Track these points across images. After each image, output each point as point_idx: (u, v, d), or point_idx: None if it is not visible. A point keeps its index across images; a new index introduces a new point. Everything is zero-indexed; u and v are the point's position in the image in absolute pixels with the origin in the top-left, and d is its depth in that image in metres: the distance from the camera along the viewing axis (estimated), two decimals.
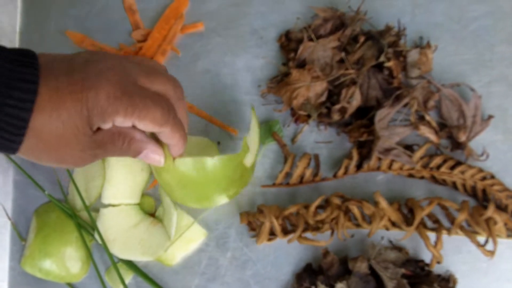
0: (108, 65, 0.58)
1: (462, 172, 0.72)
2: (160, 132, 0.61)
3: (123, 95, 0.56)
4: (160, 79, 0.62)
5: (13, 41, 0.85)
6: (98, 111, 0.56)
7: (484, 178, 0.72)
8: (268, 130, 0.77)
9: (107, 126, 0.57)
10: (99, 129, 0.58)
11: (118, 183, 0.76)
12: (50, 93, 0.54)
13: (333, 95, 0.76)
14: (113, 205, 0.75)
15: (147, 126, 0.59)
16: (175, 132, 0.62)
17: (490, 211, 0.67)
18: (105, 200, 0.76)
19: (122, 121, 0.57)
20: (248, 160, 0.71)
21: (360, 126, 0.75)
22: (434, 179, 0.74)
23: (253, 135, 0.73)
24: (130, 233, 0.74)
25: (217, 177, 0.69)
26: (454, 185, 0.73)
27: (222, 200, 0.71)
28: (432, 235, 0.69)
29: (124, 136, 0.60)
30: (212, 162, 0.67)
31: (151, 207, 0.76)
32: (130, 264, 0.75)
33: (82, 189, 0.77)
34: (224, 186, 0.70)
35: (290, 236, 0.71)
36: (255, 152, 0.71)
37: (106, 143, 0.59)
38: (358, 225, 0.71)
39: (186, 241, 0.74)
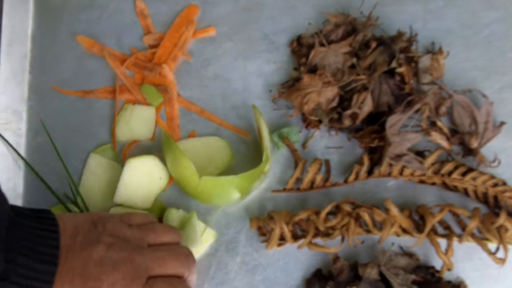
0: (122, 274, 0.60)
1: (474, 179, 0.72)
2: None
3: None
4: (172, 264, 0.64)
5: (24, 45, 0.85)
6: None
7: (495, 185, 0.71)
8: (285, 136, 0.77)
9: None
10: None
11: (134, 187, 0.75)
12: None
13: (344, 100, 0.76)
14: (124, 206, 0.75)
15: None
16: None
17: (502, 219, 0.67)
18: (117, 200, 0.76)
19: None
20: (267, 167, 0.73)
21: (371, 131, 0.75)
22: (445, 186, 0.73)
23: (264, 134, 0.74)
24: None
25: (239, 188, 0.73)
26: (466, 192, 0.72)
27: (236, 196, 0.74)
28: (443, 242, 0.69)
29: None
30: (237, 179, 0.71)
31: (160, 211, 0.76)
32: None
33: (97, 191, 0.77)
34: (244, 192, 0.74)
35: (300, 241, 0.71)
36: (269, 149, 0.74)
37: None
38: (368, 231, 0.71)
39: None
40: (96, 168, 0.78)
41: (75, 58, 0.85)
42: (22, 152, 0.80)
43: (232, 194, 0.73)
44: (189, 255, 0.67)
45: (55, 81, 0.83)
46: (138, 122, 0.79)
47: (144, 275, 0.62)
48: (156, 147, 0.80)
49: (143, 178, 0.76)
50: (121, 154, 0.79)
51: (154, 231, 0.67)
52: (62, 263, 0.58)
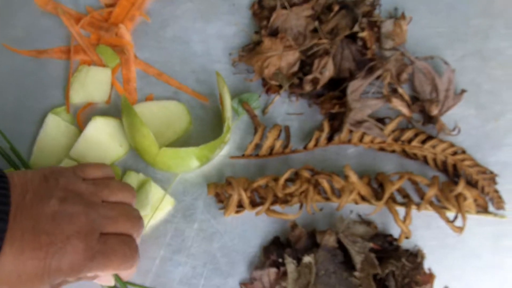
0: (76, 227, 0.59)
1: (433, 147, 0.71)
2: None
3: (87, 260, 0.58)
4: (123, 223, 0.63)
5: None
6: (60, 275, 0.57)
7: (455, 153, 0.71)
8: (245, 102, 0.76)
9: (71, 280, 0.60)
10: None
11: (93, 145, 0.74)
12: (14, 255, 0.55)
13: (306, 65, 0.75)
14: (77, 162, 0.74)
15: (109, 273, 0.64)
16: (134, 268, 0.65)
17: (460, 187, 0.67)
18: (73, 154, 0.74)
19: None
20: (228, 136, 0.72)
21: (332, 97, 0.74)
22: (405, 153, 0.73)
23: (226, 103, 0.72)
24: None
25: (199, 157, 0.71)
26: (425, 160, 0.72)
27: (195, 165, 0.73)
28: (401, 210, 0.69)
29: (78, 278, 0.62)
30: (197, 150, 0.70)
31: (116, 176, 0.74)
32: None
33: (51, 153, 0.75)
34: (204, 160, 0.73)
35: (258, 208, 0.70)
36: (230, 119, 0.73)
37: (60, 284, 0.60)
38: (327, 199, 0.70)
39: (153, 209, 0.73)
40: (53, 130, 0.76)
41: (28, 16, 0.82)
42: None
43: (191, 163, 0.72)
44: (140, 218, 0.66)
45: (6, 40, 0.80)
46: (93, 84, 0.77)
47: (97, 230, 0.61)
48: (113, 110, 0.77)
49: (104, 139, 0.75)
50: (76, 117, 0.77)
51: (109, 188, 0.65)
52: (11, 220, 0.56)
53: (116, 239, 0.62)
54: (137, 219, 0.65)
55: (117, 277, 0.67)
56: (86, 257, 0.58)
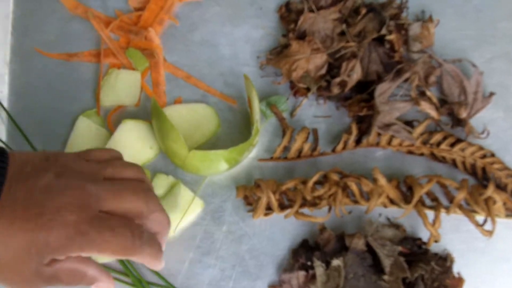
0: (69, 199, 0.55)
1: (462, 150, 0.71)
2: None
3: (78, 235, 0.54)
4: (128, 197, 0.58)
5: (7, 6, 0.82)
6: (48, 251, 0.53)
7: (484, 156, 0.71)
8: (274, 104, 0.76)
9: (61, 258, 0.55)
10: (54, 259, 0.55)
11: (123, 148, 0.73)
12: (3, 226, 0.53)
13: (333, 68, 0.75)
14: None
15: (109, 257, 0.58)
16: (144, 256, 0.59)
17: (490, 190, 0.67)
18: None
19: (79, 255, 0.55)
20: (256, 139, 0.73)
21: (360, 100, 0.75)
22: (433, 156, 0.73)
23: (254, 106, 0.73)
24: None
25: (227, 160, 0.72)
26: (454, 163, 0.72)
27: (224, 167, 0.73)
28: (430, 213, 0.69)
29: (74, 274, 0.58)
30: (226, 153, 0.70)
31: None
32: None
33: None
34: (232, 163, 0.73)
35: (287, 211, 0.70)
36: (259, 122, 0.73)
37: (52, 280, 0.56)
38: (355, 202, 0.71)
39: (183, 212, 0.74)
40: (83, 132, 0.77)
41: (59, 19, 0.82)
42: (3, 115, 0.79)
43: (220, 166, 0.72)
44: (149, 190, 0.61)
45: (38, 44, 0.81)
46: (123, 87, 0.78)
47: (95, 205, 0.56)
48: (142, 113, 0.78)
49: (134, 142, 0.75)
50: (106, 120, 0.78)
51: (112, 166, 0.61)
52: (5, 191, 0.54)
53: (118, 220, 0.57)
54: (145, 192, 0.60)
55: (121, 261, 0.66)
56: (77, 231, 0.54)
